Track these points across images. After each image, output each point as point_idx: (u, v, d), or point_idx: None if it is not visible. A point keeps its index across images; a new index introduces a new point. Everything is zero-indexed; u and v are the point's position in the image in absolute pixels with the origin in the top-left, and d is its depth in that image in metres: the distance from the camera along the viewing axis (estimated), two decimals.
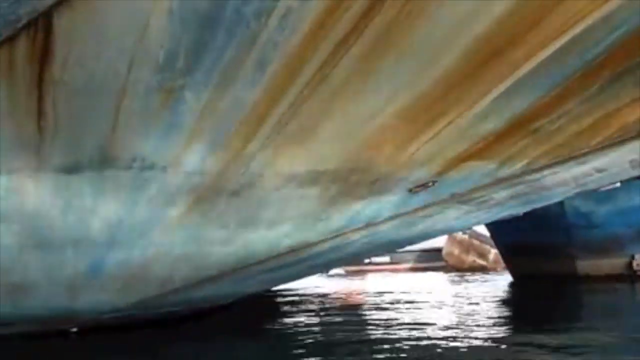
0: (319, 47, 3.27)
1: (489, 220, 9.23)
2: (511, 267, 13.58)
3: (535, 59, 3.59)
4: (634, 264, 11.66)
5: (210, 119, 3.76)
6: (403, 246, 11.96)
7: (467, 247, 21.25)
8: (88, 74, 3.24)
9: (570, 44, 3.48)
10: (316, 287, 12.89)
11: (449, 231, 8.36)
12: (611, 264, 11.58)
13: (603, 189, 8.55)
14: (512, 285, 12.51)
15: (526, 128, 4.52)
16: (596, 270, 11.59)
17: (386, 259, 22.04)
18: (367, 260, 20.57)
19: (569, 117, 4.48)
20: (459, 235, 20.99)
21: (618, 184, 8.67)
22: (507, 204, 6.57)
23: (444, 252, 21.51)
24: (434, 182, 5.16)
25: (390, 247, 8.96)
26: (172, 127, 3.76)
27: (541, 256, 11.86)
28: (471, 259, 21.20)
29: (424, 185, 5.18)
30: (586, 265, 11.75)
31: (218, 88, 3.47)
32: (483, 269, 19.88)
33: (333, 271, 19.32)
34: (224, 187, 4.57)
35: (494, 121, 4.31)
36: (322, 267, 9.29)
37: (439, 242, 21.05)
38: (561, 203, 11.02)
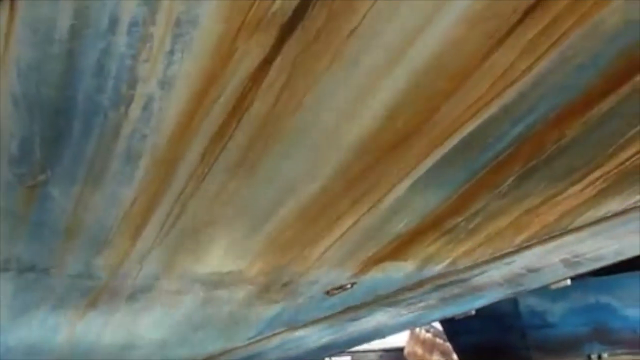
0: (193, 140, 2.97)
1: (428, 322, 8.88)
2: None
3: (433, 156, 3.33)
4: None
5: (86, 217, 3.39)
6: (342, 349, 11.45)
7: (430, 347, 20.59)
8: None
9: (468, 139, 3.23)
10: None
11: (386, 334, 7.98)
12: None
13: (555, 286, 8.26)
14: None
15: (440, 227, 4.23)
16: None
17: (347, 358, 21.28)
18: None
19: (485, 216, 4.19)
20: (422, 333, 20.46)
21: (568, 282, 8.37)
22: (441, 305, 6.24)
23: (405, 351, 20.82)
24: (352, 284, 4.83)
25: (327, 351, 8.54)
26: (42, 226, 3.38)
27: (496, 357, 11.49)
28: (435, 358, 20.54)
29: (341, 288, 4.85)
30: None
31: (87, 183, 3.12)
32: None
33: None
34: (118, 291, 4.19)
35: (402, 220, 4.01)
36: None
37: (402, 340, 20.47)
38: (515, 301, 10.77)
